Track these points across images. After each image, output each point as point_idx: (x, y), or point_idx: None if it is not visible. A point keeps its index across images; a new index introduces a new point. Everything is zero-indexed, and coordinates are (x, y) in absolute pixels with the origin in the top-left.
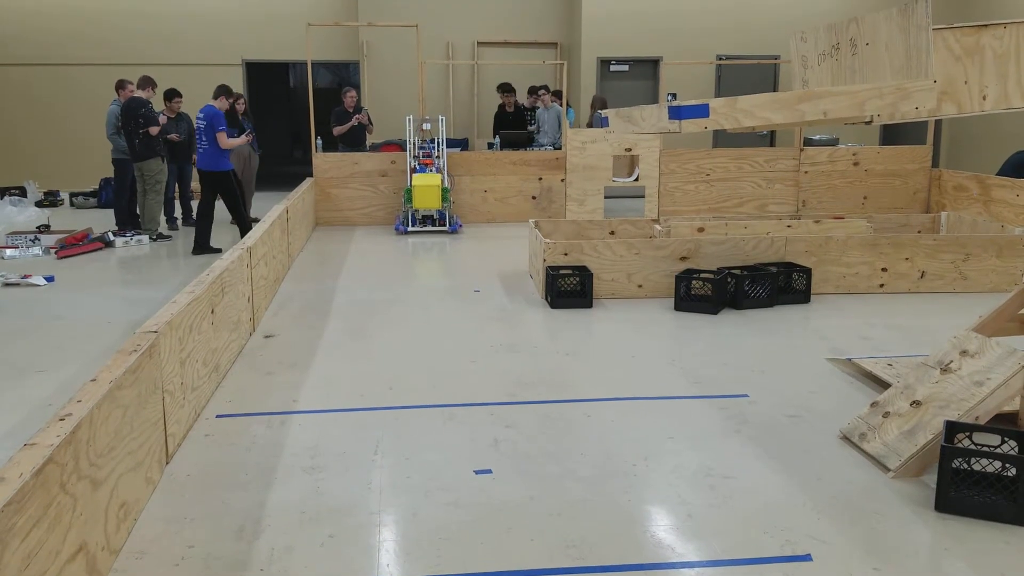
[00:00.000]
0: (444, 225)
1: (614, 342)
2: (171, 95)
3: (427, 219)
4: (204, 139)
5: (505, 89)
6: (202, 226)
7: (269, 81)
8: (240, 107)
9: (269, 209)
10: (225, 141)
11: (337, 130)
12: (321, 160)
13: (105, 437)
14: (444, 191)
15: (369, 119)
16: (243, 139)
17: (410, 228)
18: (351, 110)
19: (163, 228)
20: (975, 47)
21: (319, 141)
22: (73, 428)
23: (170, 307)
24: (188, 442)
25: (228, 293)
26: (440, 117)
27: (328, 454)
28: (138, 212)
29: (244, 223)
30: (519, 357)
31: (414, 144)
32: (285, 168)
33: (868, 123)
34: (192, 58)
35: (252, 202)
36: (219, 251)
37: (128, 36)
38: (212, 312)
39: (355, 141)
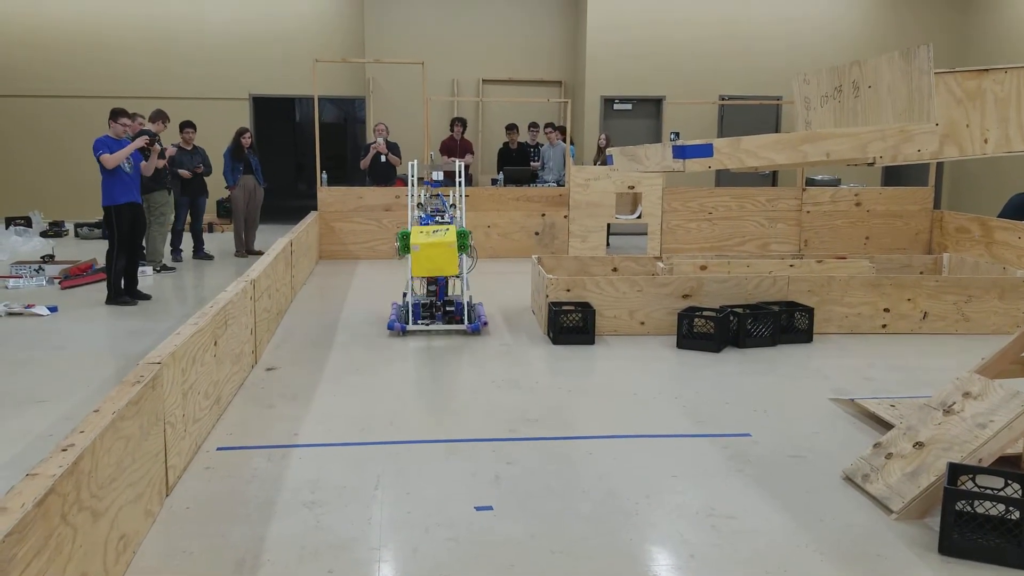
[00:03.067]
0: (461, 321)
1: (616, 379)
2: (183, 126)
3: (434, 307)
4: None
5: (509, 127)
6: (118, 269)
7: (275, 115)
8: (246, 141)
9: (273, 242)
10: (107, 159)
11: (362, 163)
12: (326, 194)
13: (107, 468)
14: (463, 243)
15: (393, 150)
16: (129, 147)
17: (411, 326)
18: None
19: (167, 260)
20: (977, 91)
21: (324, 175)
22: (75, 459)
23: (174, 338)
24: (188, 474)
25: (231, 325)
26: (457, 161)
27: (328, 488)
28: (143, 244)
29: (130, 280)
30: (521, 393)
31: (418, 199)
32: (290, 202)
33: (871, 164)
34: (200, 92)
35: (257, 235)
36: (142, 299)
37: (135, 69)
38: (215, 344)
39: (382, 176)
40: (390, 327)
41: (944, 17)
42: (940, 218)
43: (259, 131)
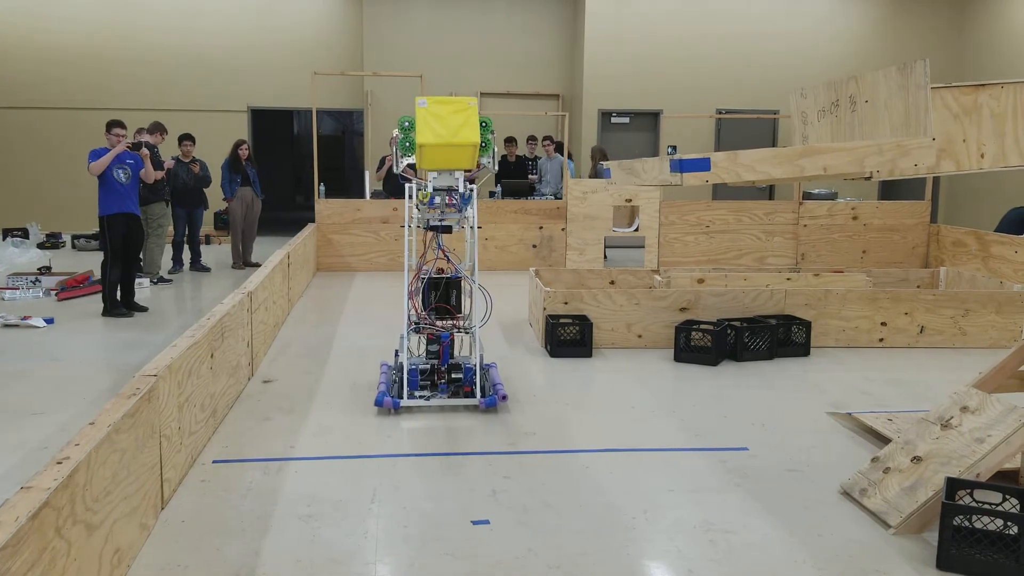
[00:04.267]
0: (471, 392)
1: (614, 392)
2: (181, 138)
3: (435, 374)
4: None
5: (508, 140)
6: (122, 280)
7: (273, 128)
8: (244, 153)
9: (271, 254)
10: (92, 167)
11: (377, 175)
12: (323, 206)
13: (101, 481)
14: (484, 136)
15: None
16: (111, 153)
17: (405, 401)
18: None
19: (163, 272)
20: (973, 106)
21: (322, 187)
22: (70, 472)
23: (170, 351)
24: (183, 488)
25: (228, 338)
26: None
27: (325, 502)
28: (140, 256)
29: (125, 291)
30: (518, 406)
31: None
32: (288, 214)
33: (868, 179)
34: (198, 104)
35: (254, 247)
36: (138, 311)
37: (134, 82)
38: (211, 356)
39: (398, 188)
40: (378, 402)
41: (941, 32)
42: (937, 232)
43: (257, 143)
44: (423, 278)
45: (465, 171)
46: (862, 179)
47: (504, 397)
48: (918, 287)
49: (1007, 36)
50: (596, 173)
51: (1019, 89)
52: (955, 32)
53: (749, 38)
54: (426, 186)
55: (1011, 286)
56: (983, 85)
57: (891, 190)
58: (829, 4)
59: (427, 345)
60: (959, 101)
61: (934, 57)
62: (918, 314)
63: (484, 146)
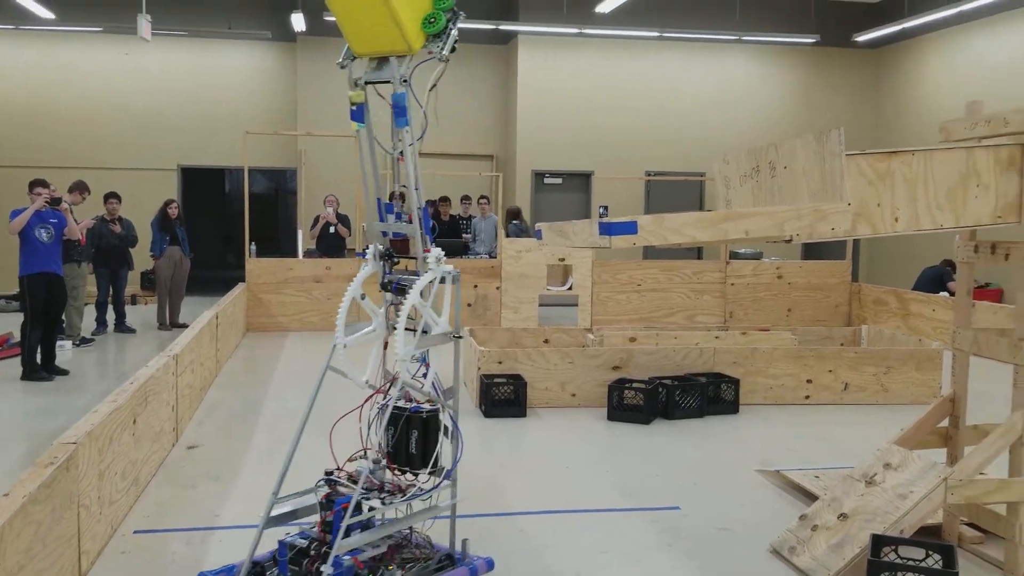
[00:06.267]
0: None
1: (548, 453)
2: (107, 197)
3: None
4: None
5: (442, 200)
6: (43, 342)
7: (204, 186)
8: (173, 212)
9: (199, 314)
10: (10, 226)
11: (311, 233)
12: (254, 265)
13: (15, 555)
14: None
15: (343, 222)
16: (27, 211)
17: None
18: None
19: (86, 333)
20: (886, 172)
21: (253, 246)
22: None
23: (91, 417)
24: (103, 560)
25: (152, 402)
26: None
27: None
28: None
29: (46, 354)
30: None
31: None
32: (218, 273)
33: (788, 241)
34: (127, 162)
35: (182, 307)
36: (59, 375)
37: (61, 138)
38: (134, 422)
39: (331, 247)
40: None
41: (858, 99)
42: (858, 291)
43: (188, 202)
44: (382, 404)
45: (403, 55)
46: (783, 241)
47: (490, 566)
48: (841, 345)
49: (919, 103)
50: (507, 232)
51: (929, 156)
52: (871, 99)
53: (678, 103)
54: (355, 83)
55: (930, 344)
56: (895, 152)
57: (814, 249)
58: (757, 73)
59: (323, 511)
60: (873, 167)
61: (853, 123)
62: (842, 371)
63: (433, 23)
